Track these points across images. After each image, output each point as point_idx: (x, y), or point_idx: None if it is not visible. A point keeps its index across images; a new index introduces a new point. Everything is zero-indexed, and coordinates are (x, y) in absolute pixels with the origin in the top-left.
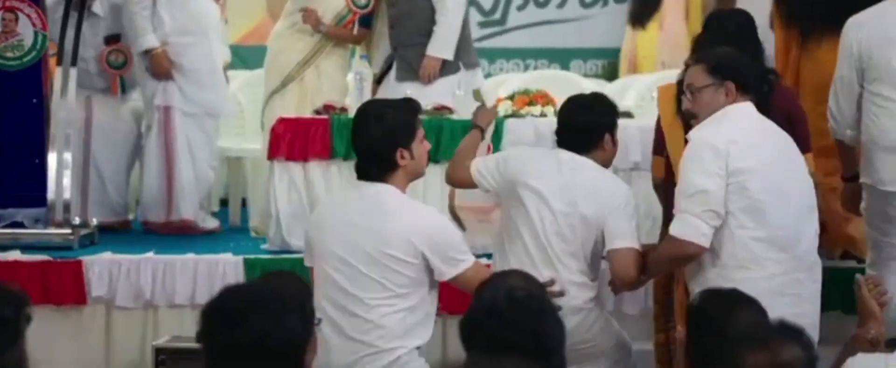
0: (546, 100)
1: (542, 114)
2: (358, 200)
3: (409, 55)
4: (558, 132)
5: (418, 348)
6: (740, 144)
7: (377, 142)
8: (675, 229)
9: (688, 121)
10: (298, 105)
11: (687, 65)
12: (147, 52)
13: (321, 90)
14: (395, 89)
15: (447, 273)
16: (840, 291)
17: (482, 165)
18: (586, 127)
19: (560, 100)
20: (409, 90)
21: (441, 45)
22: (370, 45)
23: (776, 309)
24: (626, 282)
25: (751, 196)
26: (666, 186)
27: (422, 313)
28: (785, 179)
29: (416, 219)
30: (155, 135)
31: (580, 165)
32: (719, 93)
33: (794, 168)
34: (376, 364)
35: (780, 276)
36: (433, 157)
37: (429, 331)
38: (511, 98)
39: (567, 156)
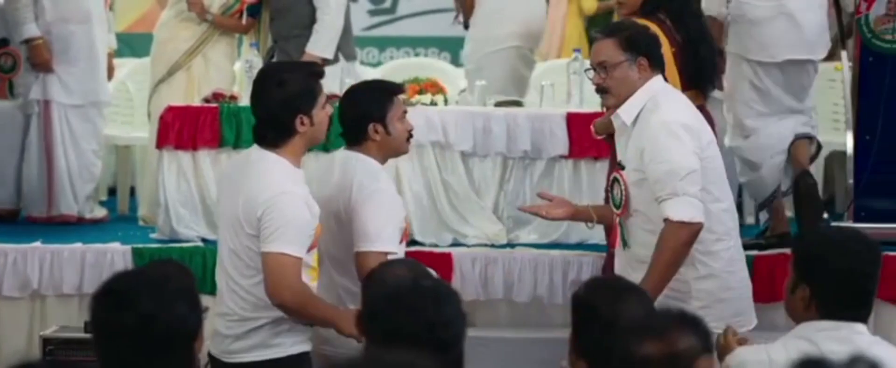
0: (436, 88)
1: (433, 103)
2: (244, 164)
3: (288, 47)
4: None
5: (280, 320)
6: (699, 119)
7: (277, 107)
8: (680, 213)
9: None
10: (185, 94)
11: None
12: (27, 42)
13: (209, 78)
14: None
15: (261, 245)
16: None
17: None
18: (347, 120)
19: (450, 88)
20: None
21: (322, 44)
22: (260, 33)
23: (740, 272)
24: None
25: (715, 168)
26: None
27: None
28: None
29: (267, 190)
30: (35, 130)
31: (347, 161)
32: (633, 70)
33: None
34: (236, 329)
35: (738, 243)
36: (325, 147)
37: None
38: None
39: (342, 154)
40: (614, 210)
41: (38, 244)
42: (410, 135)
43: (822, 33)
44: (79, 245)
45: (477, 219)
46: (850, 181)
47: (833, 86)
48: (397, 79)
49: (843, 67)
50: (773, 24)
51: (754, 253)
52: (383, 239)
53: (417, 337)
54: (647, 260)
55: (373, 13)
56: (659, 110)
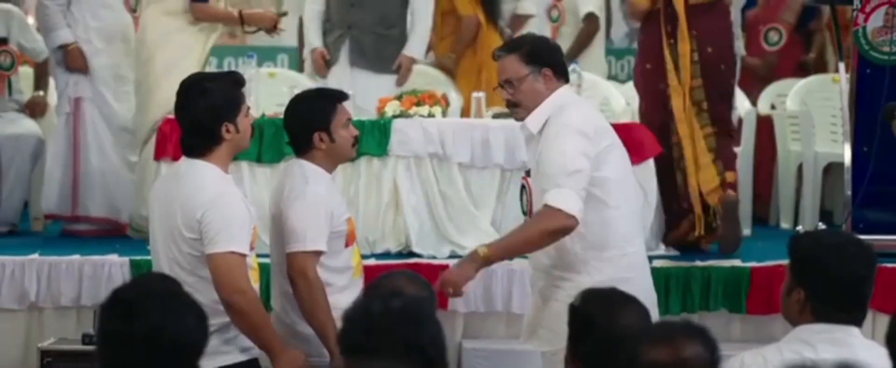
0: (434, 100)
1: (430, 115)
2: (174, 176)
3: (365, 41)
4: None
5: (228, 326)
6: (598, 128)
7: (202, 115)
8: (554, 199)
9: None
10: None
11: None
12: (62, 47)
13: None
14: (351, 75)
15: (205, 248)
16: (723, 290)
17: None
18: (293, 130)
19: (450, 99)
20: (363, 80)
21: (419, 47)
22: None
23: (644, 278)
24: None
25: (610, 177)
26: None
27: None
28: (625, 156)
29: (203, 194)
30: (63, 125)
31: (288, 169)
32: (538, 82)
33: (622, 146)
34: None
35: (640, 250)
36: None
37: None
38: (399, 98)
39: (289, 163)
40: (524, 217)
41: (35, 256)
42: (356, 141)
43: None
44: (76, 257)
45: (475, 231)
46: (848, 192)
47: (831, 97)
48: (397, 91)
49: (841, 79)
50: None
51: (752, 264)
52: (309, 239)
53: (396, 356)
54: (550, 269)
55: None
56: (561, 116)
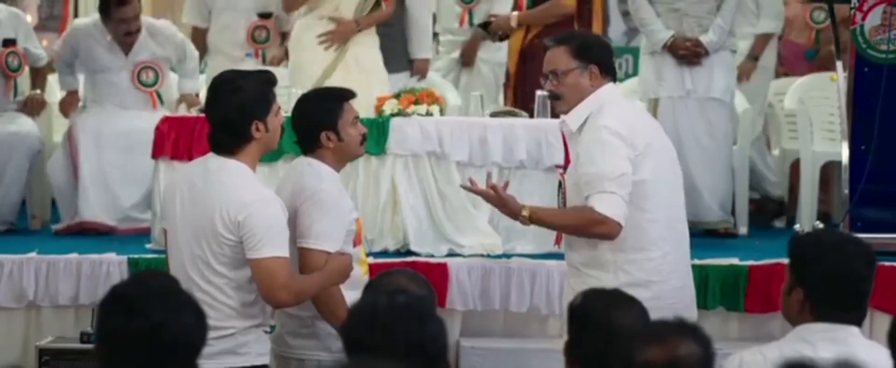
0: (432, 98)
1: (428, 113)
2: (203, 173)
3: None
4: None
5: (257, 327)
6: (635, 130)
7: (233, 113)
8: (604, 208)
9: None
10: None
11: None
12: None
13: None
14: None
15: (248, 252)
16: (721, 289)
17: None
18: (300, 129)
19: (446, 98)
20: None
21: (427, 45)
22: None
23: (670, 283)
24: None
25: (645, 179)
26: None
27: (255, 291)
28: (665, 159)
29: (243, 196)
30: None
31: (297, 166)
32: (584, 77)
33: (667, 145)
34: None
35: (672, 253)
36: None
37: (267, 311)
38: (397, 96)
39: (294, 162)
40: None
41: (34, 254)
42: (364, 139)
43: None
44: (74, 255)
45: (473, 230)
46: (846, 191)
47: (828, 96)
48: (393, 89)
49: (839, 78)
50: None
51: (750, 262)
52: (323, 237)
53: (400, 354)
54: (580, 267)
55: None
56: (600, 116)
